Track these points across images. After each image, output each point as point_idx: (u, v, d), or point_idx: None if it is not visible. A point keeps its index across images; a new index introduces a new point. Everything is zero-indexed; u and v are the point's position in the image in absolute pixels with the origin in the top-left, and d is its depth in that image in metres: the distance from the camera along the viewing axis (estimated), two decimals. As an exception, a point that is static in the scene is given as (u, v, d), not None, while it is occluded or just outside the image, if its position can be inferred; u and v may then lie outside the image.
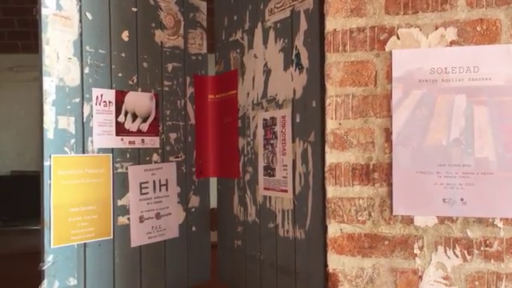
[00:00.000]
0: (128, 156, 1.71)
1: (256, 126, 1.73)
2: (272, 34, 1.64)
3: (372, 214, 1.24)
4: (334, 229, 1.27)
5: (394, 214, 1.23)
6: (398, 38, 1.22)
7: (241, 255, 1.84)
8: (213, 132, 2.00)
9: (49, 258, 1.47)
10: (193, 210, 1.95)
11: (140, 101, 1.74)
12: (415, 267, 1.22)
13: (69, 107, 1.53)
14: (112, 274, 1.65)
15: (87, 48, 1.58)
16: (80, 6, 1.56)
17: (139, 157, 1.75)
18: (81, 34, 1.57)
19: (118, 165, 1.67)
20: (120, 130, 1.68)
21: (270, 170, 1.64)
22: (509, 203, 1.15)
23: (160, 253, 1.82)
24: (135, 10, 1.74)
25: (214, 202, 2.04)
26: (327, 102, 1.28)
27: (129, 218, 1.70)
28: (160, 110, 1.82)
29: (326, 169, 1.28)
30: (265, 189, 1.68)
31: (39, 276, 1.48)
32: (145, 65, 1.77)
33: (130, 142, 1.71)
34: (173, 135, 1.87)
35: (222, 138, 1.97)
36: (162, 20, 1.83)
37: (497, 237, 1.17)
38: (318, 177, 1.40)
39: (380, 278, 1.24)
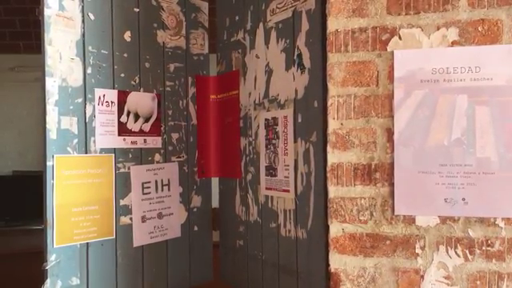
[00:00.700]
0: (130, 156, 1.71)
1: (258, 126, 1.73)
2: (274, 34, 1.64)
3: (374, 213, 1.25)
4: (335, 228, 1.27)
5: (395, 213, 1.23)
6: (400, 38, 1.22)
7: (243, 255, 1.85)
8: (215, 132, 2.00)
9: (51, 258, 1.48)
10: (195, 209, 1.96)
11: (142, 101, 1.75)
12: (417, 267, 1.22)
13: (71, 107, 1.53)
14: (114, 273, 1.66)
15: (90, 48, 1.59)
16: (82, 7, 1.56)
17: (141, 157, 1.75)
18: (83, 35, 1.57)
19: (120, 165, 1.68)
20: (122, 130, 1.68)
21: (271, 170, 1.65)
22: (510, 203, 1.15)
23: (162, 252, 1.82)
24: (137, 10, 1.74)
25: (215, 202, 2.04)
26: (329, 102, 1.28)
27: (131, 218, 1.71)
28: (162, 110, 1.82)
29: (328, 169, 1.28)
30: (267, 189, 1.68)
31: (41, 276, 1.49)
32: (147, 65, 1.77)
33: (132, 142, 1.71)
34: (175, 135, 1.87)
35: (223, 137, 1.97)
36: (163, 20, 1.84)
37: (498, 236, 1.17)
38: (319, 177, 1.41)
39: (382, 278, 1.24)
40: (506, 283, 1.16)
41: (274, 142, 1.63)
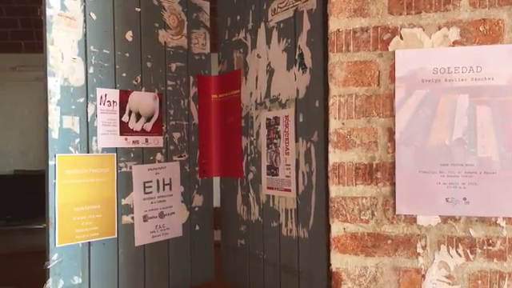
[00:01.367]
0: (132, 155, 1.72)
1: (259, 126, 1.73)
2: (275, 33, 1.65)
3: (375, 213, 1.25)
4: (337, 228, 1.27)
5: (396, 213, 1.23)
6: (401, 38, 1.23)
7: (244, 254, 1.85)
8: (216, 131, 2.00)
9: (53, 257, 1.48)
10: (196, 209, 1.96)
11: (144, 100, 1.75)
12: (418, 266, 1.22)
13: (73, 107, 1.54)
14: (116, 272, 1.66)
15: (91, 48, 1.59)
16: (84, 7, 1.57)
17: (143, 156, 1.76)
18: (85, 35, 1.57)
19: (122, 164, 1.68)
20: (124, 129, 1.69)
21: (273, 170, 1.65)
22: (511, 202, 1.15)
23: (164, 252, 1.83)
24: (139, 10, 1.74)
25: (217, 201, 2.05)
26: (330, 101, 1.28)
27: (133, 217, 1.71)
28: (163, 110, 1.83)
29: (329, 168, 1.28)
30: (268, 188, 1.68)
31: (43, 275, 1.49)
32: (148, 65, 1.78)
33: (133, 142, 1.72)
34: (176, 135, 1.88)
35: (225, 137, 1.97)
36: (165, 20, 1.84)
37: (499, 236, 1.17)
38: (321, 176, 1.41)
39: (383, 277, 1.24)
40: (507, 283, 1.16)
41: (275, 141, 1.64)
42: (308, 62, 1.48)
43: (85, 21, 1.57)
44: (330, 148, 1.28)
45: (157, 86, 1.80)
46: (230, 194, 1.95)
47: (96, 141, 1.60)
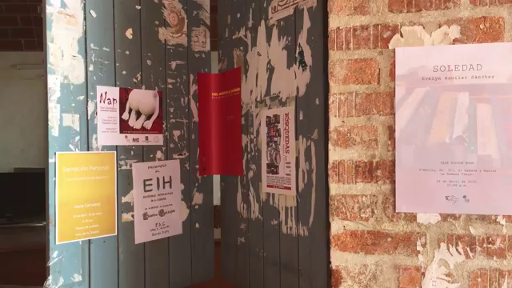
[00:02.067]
0: (132, 153, 1.72)
1: (259, 124, 1.73)
2: (275, 31, 1.64)
3: (375, 211, 1.25)
4: (337, 226, 1.28)
5: (396, 211, 1.23)
6: (402, 35, 1.23)
7: (244, 252, 1.85)
8: (216, 129, 2.00)
9: (54, 255, 1.48)
10: (196, 207, 1.96)
11: (144, 98, 1.75)
12: (418, 264, 1.22)
13: (73, 105, 1.54)
14: (116, 270, 1.66)
15: (91, 46, 1.59)
16: (84, 4, 1.57)
17: (143, 154, 1.76)
18: (85, 32, 1.57)
19: (122, 162, 1.68)
20: (124, 127, 1.69)
21: (273, 168, 1.65)
22: (511, 200, 1.16)
23: (163, 250, 1.83)
24: (139, 7, 1.74)
25: (217, 200, 2.05)
26: (330, 99, 1.28)
27: (133, 215, 1.71)
28: (164, 108, 1.83)
29: (330, 166, 1.28)
30: (268, 186, 1.68)
31: (43, 272, 1.49)
32: (148, 62, 1.78)
33: (133, 140, 1.72)
34: (176, 132, 1.88)
35: (225, 135, 1.97)
36: (165, 18, 1.84)
37: (499, 234, 1.17)
38: (321, 174, 1.41)
39: (383, 275, 1.25)
40: (507, 280, 1.17)
41: (275, 139, 1.64)
42: (308, 59, 1.48)
43: (85, 18, 1.57)
44: (330, 146, 1.28)
45: (157, 84, 1.80)
46: (229, 192, 1.96)
47: (96, 138, 1.60)
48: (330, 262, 1.29)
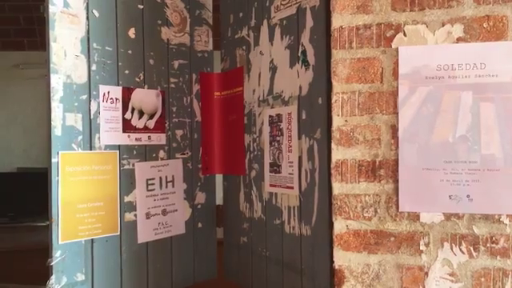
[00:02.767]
0: (135, 153, 1.72)
1: (262, 123, 1.73)
2: (278, 30, 1.64)
3: (378, 210, 1.25)
4: (340, 225, 1.27)
5: (400, 210, 1.23)
6: (405, 34, 1.22)
7: (247, 252, 1.85)
8: (219, 129, 2.00)
9: (57, 254, 1.49)
10: (199, 206, 1.96)
11: (146, 98, 1.75)
12: (421, 264, 1.22)
13: (76, 104, 1.54)
14: (119, 269, 1.66)
15: (94, 45, 1.59)
16: (87, 4, 1.57)
17: (146, 153, 1.76)
18: (88, 32, 1.57)
19: (124, 161, 1.68)
20: (127, 126, 1.69)
21: (275, 167, 1.65)
22: (515, 200, 1.15)
23: (166, 249, 1.83)
24: (141, 7, 1.74)
25: (219, 199, 2.05)
26: (333, 98, 1.28)
27: (135, 215, 1.71)
28: (166, 107, 1.83)
29: (332, 165, 1.28)
30: (271, 185, 1.68)
31: (46, 272, 1.50)
32: (151, 62, 1.78)
33: (136, 139, 1.72)
34: (179, 132, 1.88)
35: (227, 134, 1.97)
36: (168, 17, 1.84)
37: (503, 233, 1.17)
38: (324, 173, 1.41)
39: (386, 275, 1.24)
40: (511, 280, 1.16)
41: (278, 138, 1.64)
42: (311, 59, 1.48)
43: (87, 18, 1.57)
44: (333, 145, 1.28)
45: (159, 84, 1.80)
46: (232, 192, 1.95)
47: (99, 138, 1.60)
48: (332, 262, 1.29)
